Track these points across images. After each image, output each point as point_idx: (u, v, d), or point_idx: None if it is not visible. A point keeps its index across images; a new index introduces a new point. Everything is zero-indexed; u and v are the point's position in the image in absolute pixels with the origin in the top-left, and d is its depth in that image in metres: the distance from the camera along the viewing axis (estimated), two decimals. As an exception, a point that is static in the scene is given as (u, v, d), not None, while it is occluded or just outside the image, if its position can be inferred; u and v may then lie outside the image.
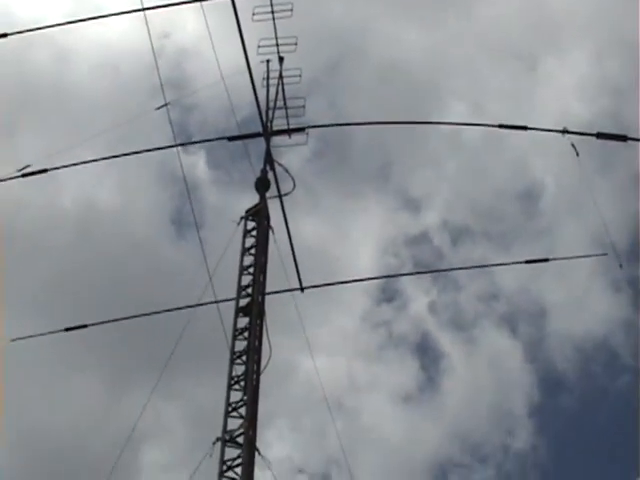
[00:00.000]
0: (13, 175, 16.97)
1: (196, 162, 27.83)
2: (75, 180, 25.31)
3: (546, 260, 17.32)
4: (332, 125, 17.31)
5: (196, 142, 17.90)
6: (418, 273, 19.36)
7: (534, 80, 33.36)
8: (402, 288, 31.53)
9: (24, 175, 16.98)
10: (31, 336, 17.73)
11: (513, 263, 17.70)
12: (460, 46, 31.99)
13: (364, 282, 18.63)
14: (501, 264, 18.36)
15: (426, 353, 33.08)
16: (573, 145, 16.50)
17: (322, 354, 25.73)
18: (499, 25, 31.83)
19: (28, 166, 16.98)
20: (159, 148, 16.94)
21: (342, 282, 17.56)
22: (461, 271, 19.39)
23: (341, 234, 29.43)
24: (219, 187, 29.45)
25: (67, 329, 17.50)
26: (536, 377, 32.87)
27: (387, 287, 31.35)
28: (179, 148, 16.88)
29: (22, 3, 35.00)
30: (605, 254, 16.78)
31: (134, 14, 16.12)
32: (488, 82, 31.76)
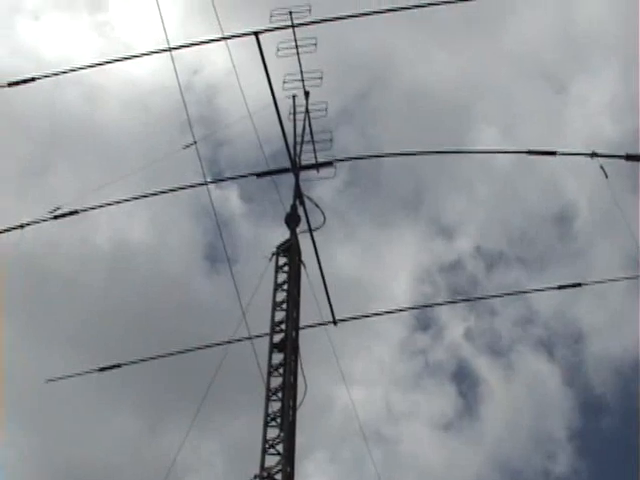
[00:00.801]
0: (44, 217, 17.09)
1: (229, 195, 27.86)
2: (108, 218, 25.34)
3: (579, 285, 17.26)
4: (360, 157, 17.29)
5: (225, 179, 17.93)
6: (451, 302, 19.13)
7: (564, 101, 33.43)
8: (437, 316, 31.60)
9: (55, 217, 17.09)
10: (65, 377, 17.83)
11: (546, 289, 17.63)
12: (489, 69, 31.94)
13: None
14: (534, 290, 18.28)
15: (463, 380, 33.02)
16: (602, 168, 16.44)
17: (359, 385, 25.81)
18: (528, 46, 31.70)
19: (59, 208, 17.10)
20: (188, 186, 17.01)
21: (375, 314, 17.56)
22: (497, 298, 19.27)
23: (375, 264, 29.36)
24: (252, 220, 29.45)
25: (101, 369, 17.58)
26: (575, 400, 32.81)
27: (422, 315, 31.35)
28: (210, 184, 17.02)
29: (51, 44, 35.48)
30: (637, 276, 16.73)
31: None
32: (518, 104, 31.68)
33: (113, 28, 35.89)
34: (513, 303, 30.70)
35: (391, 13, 16.33)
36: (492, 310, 31.19)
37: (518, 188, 27.98)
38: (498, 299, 22.60)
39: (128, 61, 16.90)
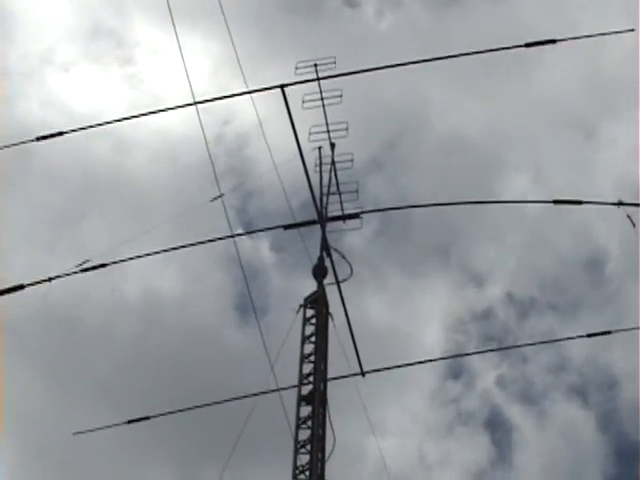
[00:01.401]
0: (73, 270, 17.18)
1: (259, 245, 27.98)
2: (138, 269, 25.46)
3: (609, 333, 17.18)
4: (386, 209, 17.36)
5: (252, 232, 18.03)
6: (479, 352, 19.16)
7: (593, 147, 33.49)
8: (469, 364, 31.51)
9: (83, 270, 17.18)
10: (93, 429, 17.84)
11: (576, 337, 17.56)
12: (519, 116, 32.12)
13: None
14: (564, 339, 18.26)
15: (496, 428, 32.80)
16: (629, 216, 16.40)
17: (390, 435, 25.74)
18: (557, 93, 31.90)
19: (87, 261, 17.17)
20: (217, 239, 17.09)
21: (403, 365, 17.48)
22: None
23: (406, 313, 29.47)
24: (283, 271, 29.52)
25: (129, 421, 17.58)
26: (610, 447, 32.46)
27: (454, 364, 31.30)
28: (237, 236, 17.11)
29: (81, 96, 35.92)
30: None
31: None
32: (548, 151, 31.81)
33: (142, 80, 36.42)
34: (545, 350, 30.41)
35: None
36: (524, 357, 31.08)
37: (548, 234, 28.03)
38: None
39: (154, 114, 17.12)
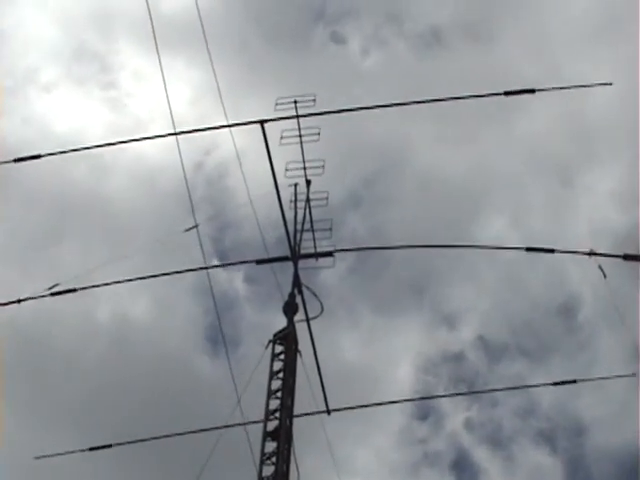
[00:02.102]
0: (42, 294, 17.17)
1: (233, 277, 28.00)
2: (110, 295, 25.38)
3: (574, 382, 17.28)
4: (359, 249, 17.46)
5: (225, 265, 18.08)
6: (445, 396, 19.27)
7: (572, 192, 33.77)
8: (437, 405, 31.55)
9: (53, 294, 17.17)
10: (54, 455, 17.77)
11: (542, 385, 17.74)
12: (500, 159, 32.40)
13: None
14: (529, 386, 18.47)
15: (463, 470, 32.82)
16: (600, 267, 16.51)
17: (356, 475, 25.72)
18: (538, 138, 32.15)
19: (57, 285, 17.19)
20: (188, 270, 17.13)
21: (369, 405, 17.53)
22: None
23: (377, 352, 29.59)
24: (257, 304, 29.48)
25: (91, 448, 17.53)
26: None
27: (422, 405, 31.32)
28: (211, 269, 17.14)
29: (61, 116, 35.93)
30: (634, 375, 16.75)
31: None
32: (527, 195, 32.07)
33: (125, 105, 36.39)
34: (514, 395, 30.69)
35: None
36: (493, 401, 31.18)
37: (522, 278, 28.14)
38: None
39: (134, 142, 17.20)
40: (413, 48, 37.23)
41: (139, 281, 17.51)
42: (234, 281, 28.35)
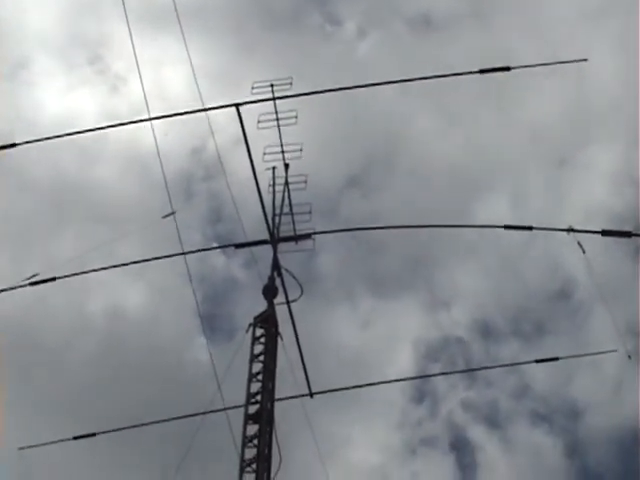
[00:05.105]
0: (21, 284, 17.11)
1: (232, 261, 27.93)
2: (100, 284, 25.26)
3: (556, 359, 17.31)
4: (338, 231, 17.42)
5: (203, 250, 17.97)
6: (429, 376, 19.32)
7: (571, 173, 33.89)
8: (434, 388, 31.75)
9: (32, 284, 17.12)
10: (38, 445, 17.78)
11: (523, 363, 17.84)
12: (499, 140, 32.41)
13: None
14: (511, 364, 18.56)
15: (461, 450, 32.89)
16: (579, 243, 16.53)
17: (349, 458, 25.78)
18: (539, 119, 32.20)
19: (37, 274, 17.14)
20: (166, 256, 17.08)
21: (354, 387, 17.53)
22: (493, 370, 19.56)
23: (371, 333, 29.65)
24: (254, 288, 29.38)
25: (75, 437, 17.55)
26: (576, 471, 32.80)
27: (420, 386, 31.33)
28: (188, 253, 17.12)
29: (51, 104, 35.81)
30: (615, 350, 16.79)
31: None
32: (528, 176, 32.14)
33: (118, 89, 36.12)
34: (509, 375, 30.83)
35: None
36: (488, 382, 31.34)
37: (518, 260, 28.14)
38: (495, 372, 22.95)
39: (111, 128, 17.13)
40: (409, 29, 37.23)
41: (130, 269, 17.49)
42: (232, 265, 28.28)
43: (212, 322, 27.11)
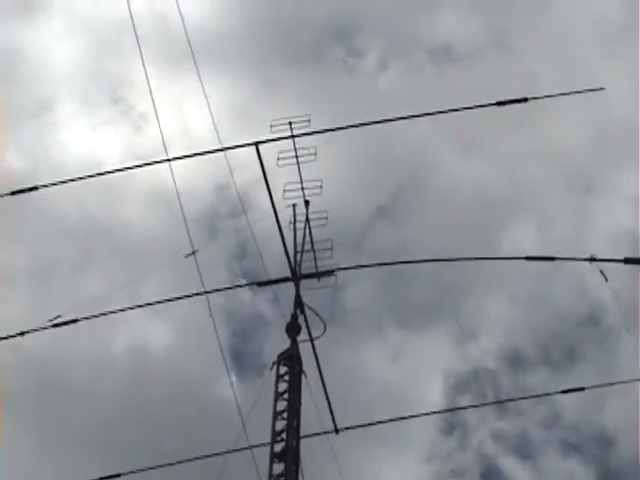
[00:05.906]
0: (44, 326, 17.15)
1: (258, 298, 27.95)
2: (126, 323, 25.26)
3: (582, 389, 17.21)
4: (361, 267, 17.37)
5: (226, 289, 17.94)
6: (448, 410, 19.26)
7: (594, 199, 33.82)
8: (463, 419, 31.58)
9: (55, 325, 17.16)
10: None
11: (549, 394, 17.78)
12: (525, 166, 32.37)
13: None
14: (537, 395, 18.46)
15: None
16: (602, 272, 16.45)
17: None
18: (563, 144, 32.10)
19: (59, 316, 17.17)
20: (186, 296, 17.10)
21: (379, 422, 17.43)
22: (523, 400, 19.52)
23: (400, 367, 29.62)
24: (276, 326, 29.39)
25: (102, 478, 17.50)
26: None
27: (449, 418, 31.18)
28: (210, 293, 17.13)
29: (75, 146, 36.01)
30: (634, 380, 16.69)
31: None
32: (553, 202, 32.06)
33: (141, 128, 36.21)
34: (539, 405, 30.66)
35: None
36: (518, 412, 31.18)
37: (545, 288, 28.00)
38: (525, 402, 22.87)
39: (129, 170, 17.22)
40: (431, 61, 37.29)
41: (156, 308, 17.52)
42: (258, 301, 28.29)
43: (239, 359, 27.30)
